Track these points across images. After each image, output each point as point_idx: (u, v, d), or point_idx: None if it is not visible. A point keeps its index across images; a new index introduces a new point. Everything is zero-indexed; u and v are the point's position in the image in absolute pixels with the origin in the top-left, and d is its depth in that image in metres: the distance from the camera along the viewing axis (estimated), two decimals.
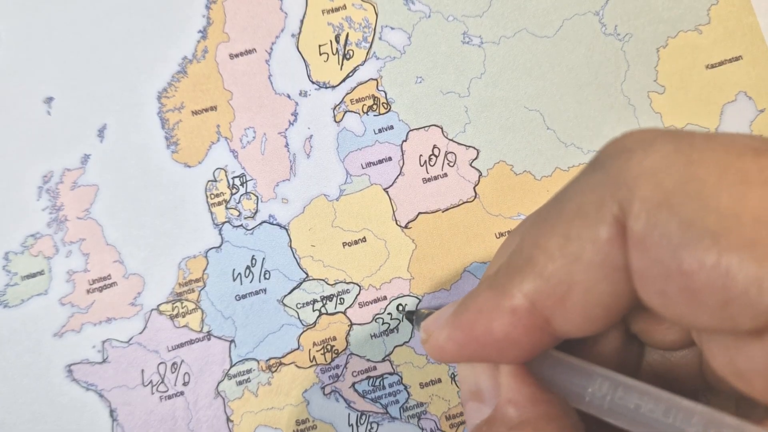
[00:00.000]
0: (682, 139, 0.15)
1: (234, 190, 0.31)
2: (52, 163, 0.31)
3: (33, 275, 0.31)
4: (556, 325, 0.17)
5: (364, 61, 0.32)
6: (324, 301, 0.31)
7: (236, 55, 0.32)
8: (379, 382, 0.31)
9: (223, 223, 0.31)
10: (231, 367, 0.31)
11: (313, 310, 0.31)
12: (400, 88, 0.32)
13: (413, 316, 0.29)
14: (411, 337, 0.31)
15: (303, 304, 0.31)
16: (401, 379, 0.31)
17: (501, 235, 0.32)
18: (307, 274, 0.31)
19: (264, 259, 0.31)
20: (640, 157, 0.15)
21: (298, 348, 0.31)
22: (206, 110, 0.31)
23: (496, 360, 0.18)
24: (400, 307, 0.31)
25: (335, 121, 0.32)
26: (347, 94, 0.32)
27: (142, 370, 0.31)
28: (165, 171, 0.31)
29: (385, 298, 0.31)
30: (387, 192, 0.32)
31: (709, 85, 0.32)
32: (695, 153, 0.15)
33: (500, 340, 0.17)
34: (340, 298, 0.31)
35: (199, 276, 0.31)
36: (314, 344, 0.31)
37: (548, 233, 0.16)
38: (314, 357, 0.31)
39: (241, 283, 0.31)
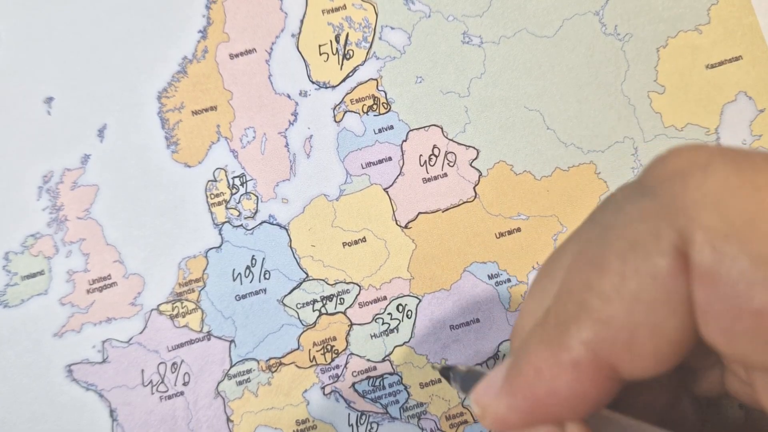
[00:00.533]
0: (742, 160, 0.14)
1: (234, 190, 0.31)
2: (52, 163, 0.31)
3: (33, 275, 0.31)
4: (622, 370, 0.15)
5: (364, 61, 0.32)
6: (324, 301, 0.31)
7: (236, 55, 0.32)
8: (379, 382, 0.31)
9: (223, 223, 0.31)
10: (231, 367, 0.31)
11: (313, 310, 0.31)
12: (400, 88, 0.32)
13: (449, 373, 0.27)
14: (411, 337, 0.31)
15: (303, 304, 0.31)
16: (401, 379, 0.31)
17: (501, 235, 0.32)
18: (307, 274, 0.31)
19: (264, 259, 0.31)
20: (698, 181, 0.14)
21: (298, 348, 0.31)
22: (206, 110, 0.31)
23: (563, 418, 0.16)
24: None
25: (335, 121, 0.32)
26: (347, 94, 0.32)
27: (142, 370, 0.31)
28: (165, 171, 0.31)
29: (385, 298, 0.31)
30: (387, 192, 0.32)
31: (709, 85, 0.32)
32: (760, 177, 0.13)
33: (566, 398, 0.15)
34: (340, 298, 0.31)
35: (199, 276, 0.31)
36: (314, 344, 0.31)
37: (599, 272, 0.15)
38: (314, 357, 0.31)
39: (241, 283, 0.31)
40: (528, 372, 0.16)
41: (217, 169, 0.31)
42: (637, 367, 0.15)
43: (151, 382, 0.31)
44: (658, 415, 0.19)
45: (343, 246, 0.31)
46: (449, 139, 0.32)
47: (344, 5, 0.32)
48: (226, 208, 0.31)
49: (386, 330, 0.31)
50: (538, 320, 0.17)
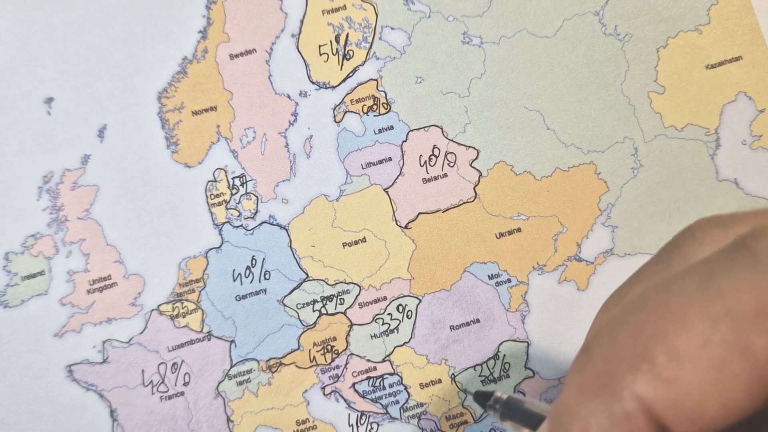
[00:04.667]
0: None
1: (234, 191, 0.31)
2: (53, 163, 0.31)
3: (33, 275, 0.31)
4: (672, 428, 0.14)
5: (364, 62, 0.32)
6: (324, 302, 0.31)
7: (236, 56, 0.32)
8: (379, 383, 0.31)
9: (223, 223, 0.31)
10: (231, 367, 0.31)
11: (313, 311, 0.31)
12: (400, 88, 0.32)
13: (486, 401, 0.25)
14: (411, 338, 0.31)
15: (303, 304, 0.31)
16: (401, 379, 0.31)
17: (501, 235, 0.32)
18: (307, 274, 0.31)
19: (264, 259, 0.31)
20: None
21: (298, 348, 0.31)
22: (206, 110, 0.31)
23: None
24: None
25: (335, 121, 0.32)
26: (347, 94, 0.32)
27: (143, 371, 0.31)
28: (165, 171, 0.31)
29: (385, 298, 0.31)
30: (387, 192, 0.32)
31: (709, 85, 0.32)
32: None
33: None
34: (340, 299, 0.31)
35: (200, 276, 0.31)
36: (314, 344, 0.31)
37: (680, 328, 0.14)
38: (314, 357, 0.31)
39: (242, 284, 0.31)
40: (575, 428, 0.15)
41: (217, 169, 0.31)
42: (690, 429, 0.14)
43: (151, 382, 0.31)
44: None
45: (343, 246, 0.31)
46: (449, 140, 0.32)
47: (344, 5, 0.32)
48: (226, 209, 0.31)
49: (386, 330, 0.31)
50: (578, 361, 0.15)
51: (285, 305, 0.31)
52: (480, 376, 0.32)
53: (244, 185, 0.31)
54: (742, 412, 0.14)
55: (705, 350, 0.13)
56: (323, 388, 0.31)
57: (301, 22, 0.32)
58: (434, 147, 0.32)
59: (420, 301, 0.32)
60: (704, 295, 0.14)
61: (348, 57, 0.32)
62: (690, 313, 0.14)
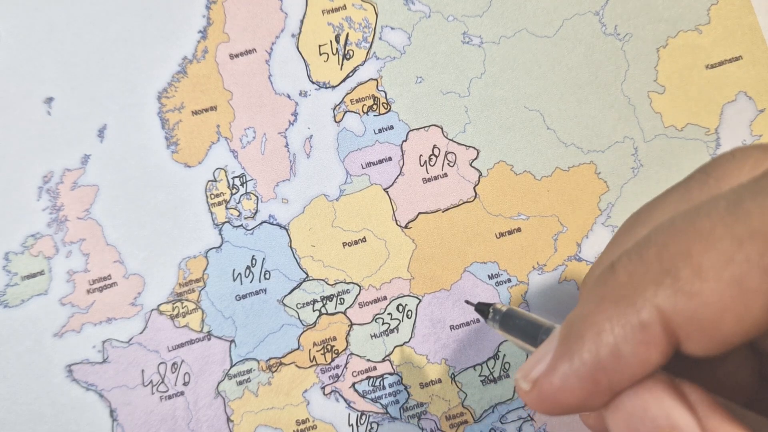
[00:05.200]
0: None
1: (234, 190, 0.31)
2: (53, 163, 0.31)
3: (33, 275, 0.31)
4: (685, 344, 0.14)
5: (364, 61, 0.32)
6: (324, 301, 0.31)
7: (236, 56, 0.32)
8: (379, 382, 0.31)
9: (223, 223, 0.31)
10: (231, 367, 0.31)
11: (313, 310, 0.31)
12: (400, 88, 0.32)
13: (489, 309, 0.25)
14: (411, 337, 0.31)
15: (303, 304, 0.31)
16: (401, 379, 0.31)
17: (501, 235, 0.32)
18: (307, 274, 0.31)
19: (264, 259, 0.31)
20: None
21: (298, 348, 0.31)
22: (206, 110, 0.31)
23: (619, 388, 0.15)
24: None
25: (335, 121, 0.32)
26: (347, 94, 0.32)
27: (143, 370, 0.31)
28: (165, 171, 0.31)
29: (385, 298, 0.31)
30: (387, 192, 0.32)
31: (709, 84, 0.32)
32: None
33: (629, 363, 0.14)
34: (340, 298, 0.31)
35: (200, 276, 0.31)
36: (314, 344, 0.31)
37: (705, 246, 0.14)
38: (314, 357, 0.31)
39: (241, 283, 0.31)
40: (588, 336, 0.14)
41: (217, 169, 0.31)
42: (703, 347, 0.14)
43: (151, 382, 0.31)
44: (741, 392, 0.18)
45: (343, 246, 0.31)
46: (449, 139, 0.32)
47: (344, 5, 0.32)
48: (226, 208, 0.31)
49: (386, 330, 0.31)
50: (600, 277, 0.15)
51: (285, 305, 0.31)
52: (480, 375, 0.32)
53: (244, 185, 0.31)
54: (756, 330, 0.14)
55: (728, 267, 0.13)
56: (323, 388, 0.31)
57: (301, 22, 0.32)
58: (434, 147, 0.32)
59: (420, 300, 0.32)
60: (732, 216, 0.14)
61: (348, 57, 0.32)
62: (716, 232, 0.14)
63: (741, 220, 0.14)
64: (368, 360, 0.31)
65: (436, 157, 0.32)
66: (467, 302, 0.29)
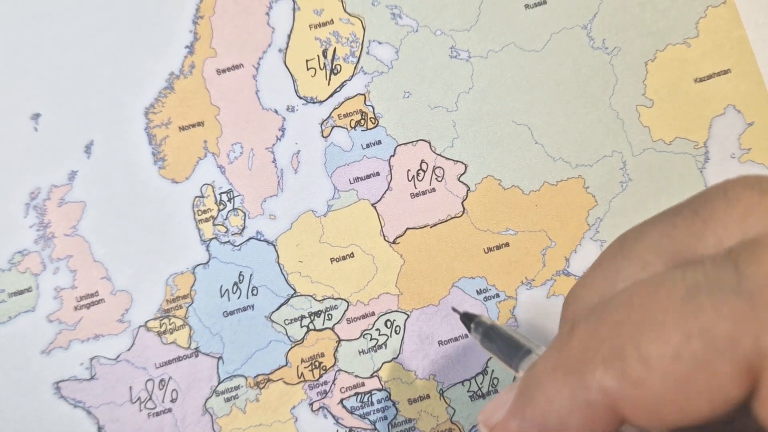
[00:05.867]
0: None
1: (221, 206, 0.31)
2: (40, 179, 0.31)
3: (20, 292, 0.31)
4: (633, 423, 0.15)
5: (352, 76, 0.32)
6: (312, 317, 0.31)
7: (223, 71, 0.31)
8: (368, 398, 0.31)
9: (211, 239, 0.31)
10: (219, 383, 0.31)
11: (301, 326, 0.31)
12: (388, 102, 0.32)
13: (471, 323, 0.26)
14: (400, 353, 0.31)
15: (291, 320, 0.31)
16: (390, 395, 0.31)
17: (489, 250, 0.32)
18: (294, 290, 0.31)
19: (252, 275, 0.31)
20: None
21: (286, 364, 0.31)
22: (193, 126, 0.31)
23: None
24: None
25: (323, 136, 0.32)
26: (335, 109, 0.32)
27: (130, 387, 0.31)
28: (152, 187, 0.31)
29: (373, 313, 0.31)
30: (375, 207, 0.32)
31: (697, 98, 0.32)
32: None
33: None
34: (328, 314, 0.31)
35: (187, 292, 0.31)
36: (302, 360, 0.31)
37: (654, 336, 0.14)
38: (302, 373, 0.31)
39: (229, 300, 0.31)
40: (540, 401, 0.16)
41: (205, 185, 0.31)
42: (651, 426, 0.15)
43: (139, 398, 0.31)
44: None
45: (331, 262, 0.31)
46: (437, 154, 0.32)
47: (332, 20, 0.32)
48: (214, 225, 0.31)
49: (374, 346, 0.31)
50: (559, 338, 0.16)
51: (273, 321, 0.31)
52: (468, 391, 0.32)
53: (232, 201, 0.31)
54: (699, 422, 0.14)
55: (674, 362, 0.14)
56: (311, 404, 0.31)
57: (289, 36, 0.32)
58: (422, 161, 0.32)
59: (408, 316, 0.31)
60: (685, 308, 0.14)
61: (335, 72, 0.32)
62: (668, 322, 0.14)
63: (693, 316, 0.14)
64: (356, 376, 0.31)
65: (424, 172, 0.32)
66: (454, 309, 0.29)
